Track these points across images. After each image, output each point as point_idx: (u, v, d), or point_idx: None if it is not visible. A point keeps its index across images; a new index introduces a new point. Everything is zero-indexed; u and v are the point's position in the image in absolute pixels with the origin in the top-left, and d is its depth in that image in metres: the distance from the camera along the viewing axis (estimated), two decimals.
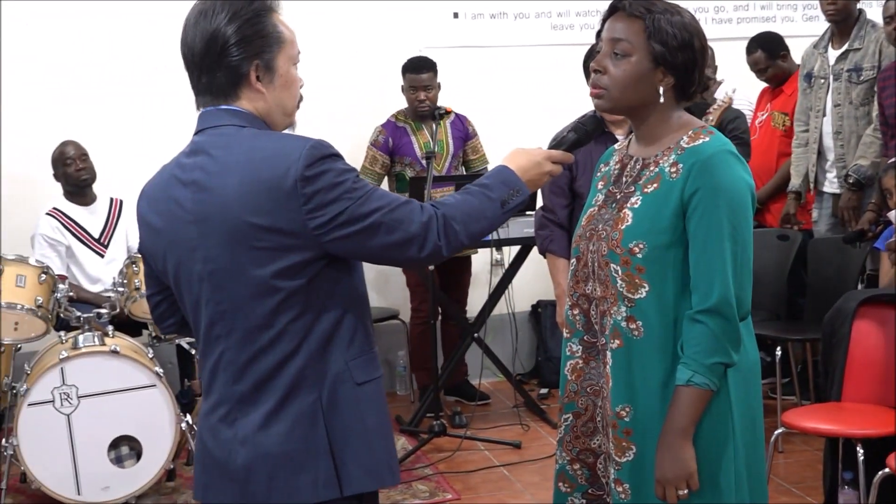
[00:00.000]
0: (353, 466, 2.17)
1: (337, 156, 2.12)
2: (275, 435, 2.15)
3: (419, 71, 5.92)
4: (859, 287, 5.03)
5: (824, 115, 5.33)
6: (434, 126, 5.86)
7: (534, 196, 5.42)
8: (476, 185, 2.27)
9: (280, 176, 2.06)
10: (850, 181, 5.12)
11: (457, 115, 6.16)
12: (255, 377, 2.17)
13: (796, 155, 5.52)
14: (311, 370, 2.15)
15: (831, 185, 5.38)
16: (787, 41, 5.92)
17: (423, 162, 5.86)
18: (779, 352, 5.10)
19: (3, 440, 4.50)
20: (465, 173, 6.13)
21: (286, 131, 2.29)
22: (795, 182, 5.51)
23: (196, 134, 2.22)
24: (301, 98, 2.33)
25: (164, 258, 2.24)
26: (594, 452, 2.52)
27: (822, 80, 5.33)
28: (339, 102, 6.15)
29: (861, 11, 5.31)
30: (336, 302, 2.17)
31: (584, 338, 2.50)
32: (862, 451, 3.78)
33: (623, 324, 2.35)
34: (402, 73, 6.01)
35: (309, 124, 2.42)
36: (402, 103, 6.12)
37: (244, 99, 2.19)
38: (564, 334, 2.57)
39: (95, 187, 5.68)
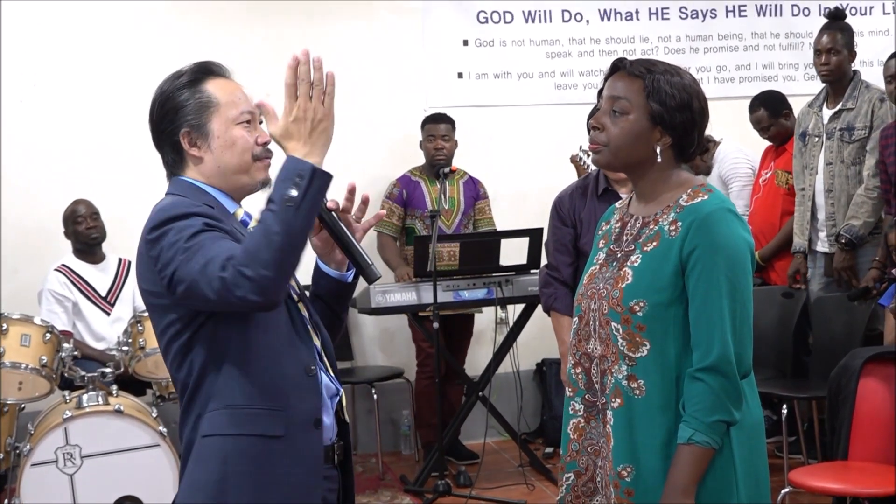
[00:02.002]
0: None
1: (182, 216, 2.17)
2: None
3: (437, 122, 6.13)
4: (863, 345, 5.01)
5: (817, 173, 5.35)
6: (443, 183, 5.92)
7: (539, 254, 5.47)
8: (264, 208, 2.12)
9: (142, 240, 2.22)
10: (843, 241, 5.12)
11: (471, 177, 6.30)
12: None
13: (799, 213, 5.52)
14: (188, 409, 2.29)
15: (823, 244, 5.38)
16: (790, 100, 5.96)
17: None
18: (785, 410, 5.08)
19: (6, 501, 4.47)
20: (472, 231, 6.18)
21: (259, 193, 2.35)
22: (801, 241, 5.49)
23: None
24: (269, 154, 2.34)
25: None
26: None
27: (817, 139, 5.36)
28: (346, 161, 6.19)
29: (856, 72, 5.35)
30: (215, 354, 2.23)
31: (586, 396, 2.49)
32: None
33: (624, 382, 2.35)
34: (421, 126, 6.16)
35: None
36: (410, 160, 6.20)
37: (190, 166, 2.33)
38: (567, 393, 2.56)
39: (105, 246, 5.71)
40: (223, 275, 2.06)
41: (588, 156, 5.40)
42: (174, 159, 2.33)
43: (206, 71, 2.33)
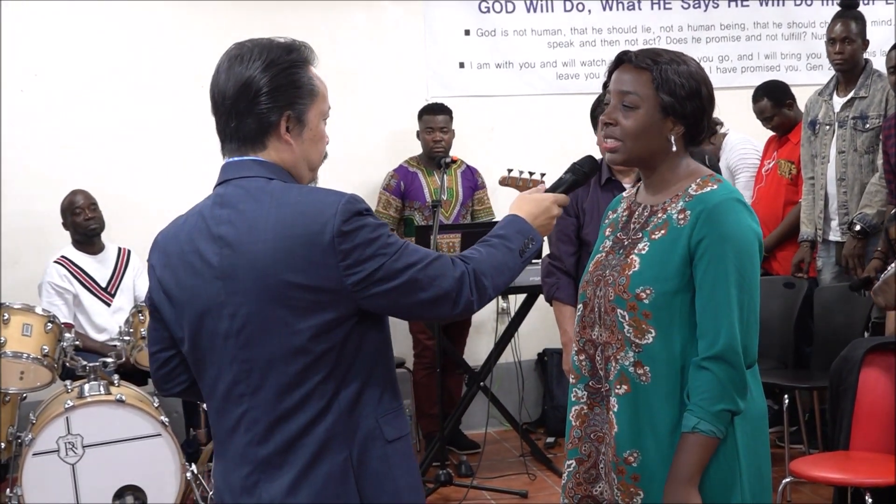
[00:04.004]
0: None
1: (369, 210, 2.08)
2: (305, 498, 2.09)
3: (435, 113, 6.09)
4: (865, 335, 5.01)
5: (828, 161, 5.33)
6: (444, 174, 5.91)
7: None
8: (495, 237, 2.25)
9: (316, 232, 2.01)
10: (856, 229, 5.11)
11: (468, 166, 6.25)
12: (282, 438, 2.10)
13: (807, 202, 5.50)
14: (342, 429, 2.10)
15: (835, 233, 5.37)
16: (792, 90, 5.95)
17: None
18: (786, 400, 5.08)
19: (8, 490, 4.48)
20: (471, 222, 6.17)
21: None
22: (808, 231, 5.49)
23: (221, 184, 2.16)
24: (326, 155, 2.27)
25: (181, 313, 2.17)
26: (595, 500, 2.50)
27: (828, 127, 5.34)
28: (348, 151, 6.19)
29: (867, 61, 5.33)
30: (366, 360, 2.12)
31: (589, 383, 2.50)
32: (871, 499, 3.75)
33: (631, 369, 2.35)
34: (418, 117, 6.12)
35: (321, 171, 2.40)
36: (410, 151, 6.19)
37: (271, 149, 2.13)
38: (571, 380, 2.57)
39: (104, 237, 5.70)
40: (456, 273, 2.11)
41: (521, 173, 5.35)
42: (253, 136, 2.13)
43: (308, 56, 2.17)
